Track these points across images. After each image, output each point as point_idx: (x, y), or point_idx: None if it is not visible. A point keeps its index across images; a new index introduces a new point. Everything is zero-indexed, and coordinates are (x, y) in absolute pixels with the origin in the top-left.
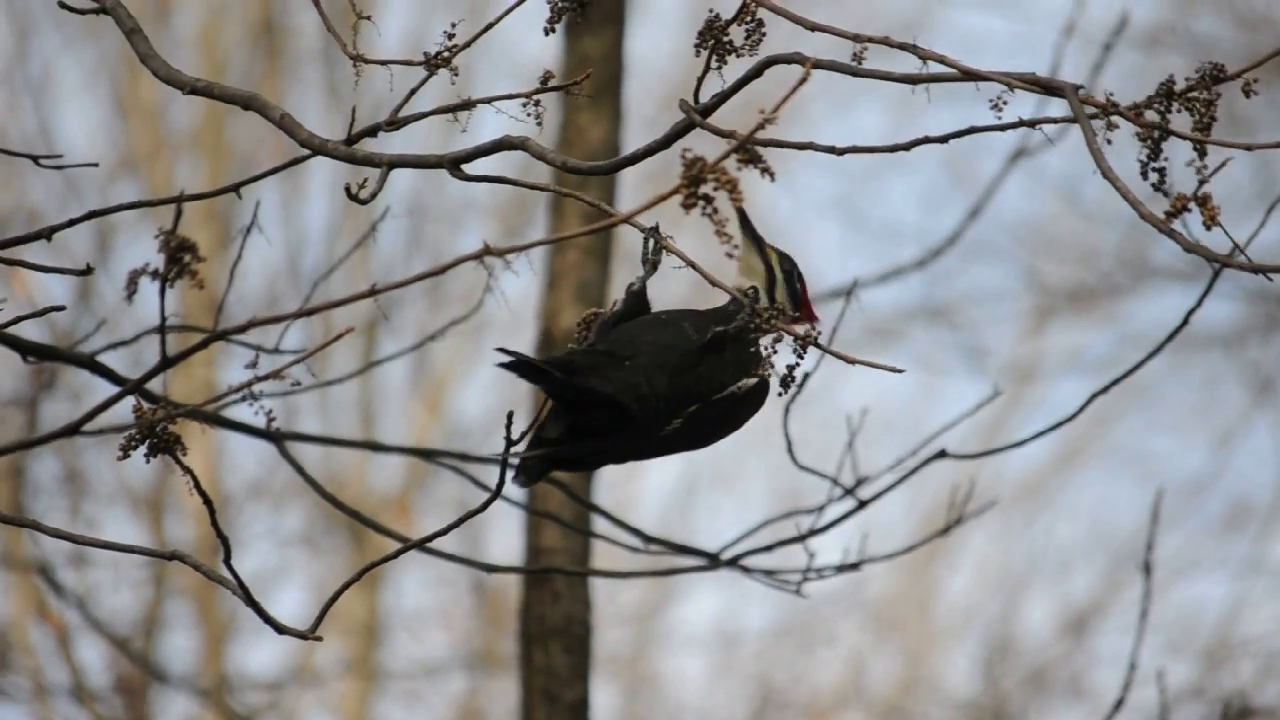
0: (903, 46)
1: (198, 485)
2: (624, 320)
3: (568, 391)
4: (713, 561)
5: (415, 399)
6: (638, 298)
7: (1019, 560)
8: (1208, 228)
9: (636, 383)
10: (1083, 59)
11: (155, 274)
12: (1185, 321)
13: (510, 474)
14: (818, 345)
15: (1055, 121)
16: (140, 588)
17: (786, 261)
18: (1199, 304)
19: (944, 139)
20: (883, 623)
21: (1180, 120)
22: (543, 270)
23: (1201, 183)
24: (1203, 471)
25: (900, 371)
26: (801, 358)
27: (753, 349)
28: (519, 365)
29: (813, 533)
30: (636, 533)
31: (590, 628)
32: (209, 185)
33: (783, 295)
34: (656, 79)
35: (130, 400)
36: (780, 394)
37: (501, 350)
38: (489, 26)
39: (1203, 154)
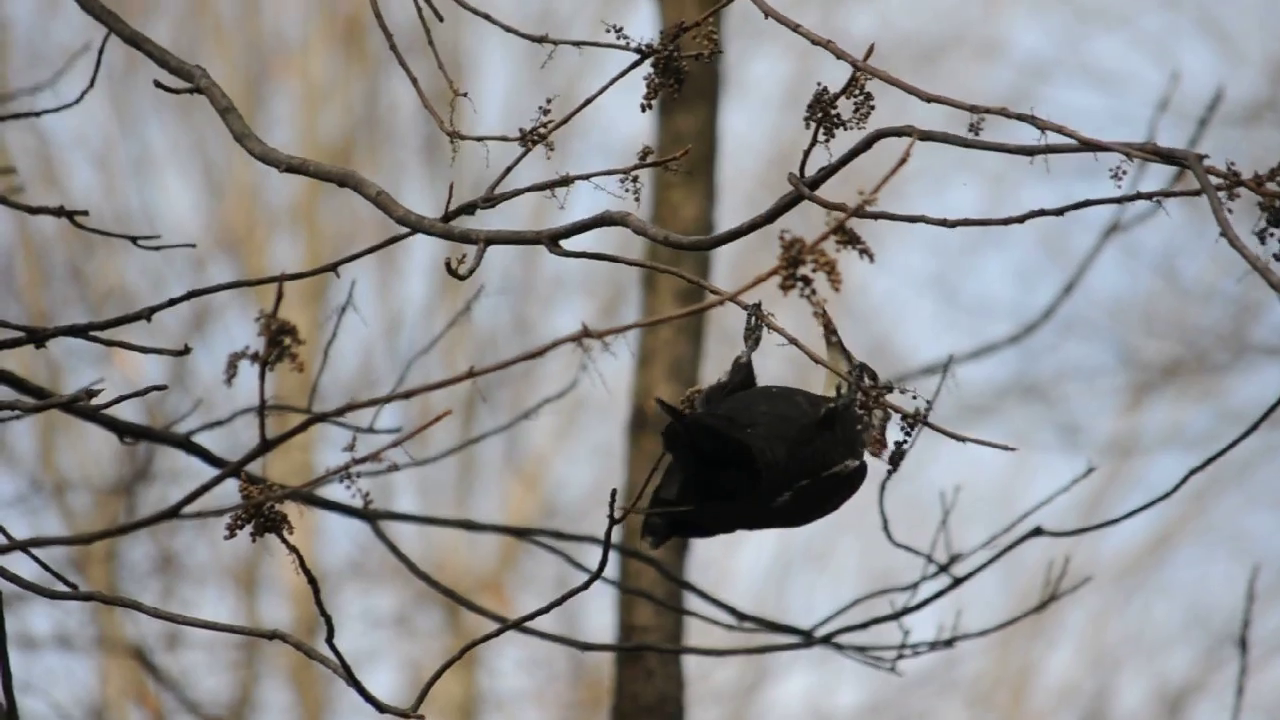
0: (1020, 117)
1: (303, 565)
2: (734, 392)
3: (710, 441)
4: (806, 639)
5: (511, 476)
6: (745, 370)
7: (1116, 639)
8: None
9: (762, 448)
10: (1178, 134)
11: (255, 357)
12: None
13: (639, 535)
14: (928, 424)
15: (1172, 195)
16: (235, 669)
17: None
18: None
19: (1059, 211)
20: (978, 701)
21: None
22: (635, 348)
23: None
24: None
25: (1012, 450)
26: (909, 435)
27: (858, 429)
28: (668, 408)
29: (907, 610)
30: (730, 610)
31: (683, 706)
32: (306, 264)
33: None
34: (751, 156)
35: (225, 483)
36: (890, 471)
37: (659, 401)
38: (586, 103)
39: None
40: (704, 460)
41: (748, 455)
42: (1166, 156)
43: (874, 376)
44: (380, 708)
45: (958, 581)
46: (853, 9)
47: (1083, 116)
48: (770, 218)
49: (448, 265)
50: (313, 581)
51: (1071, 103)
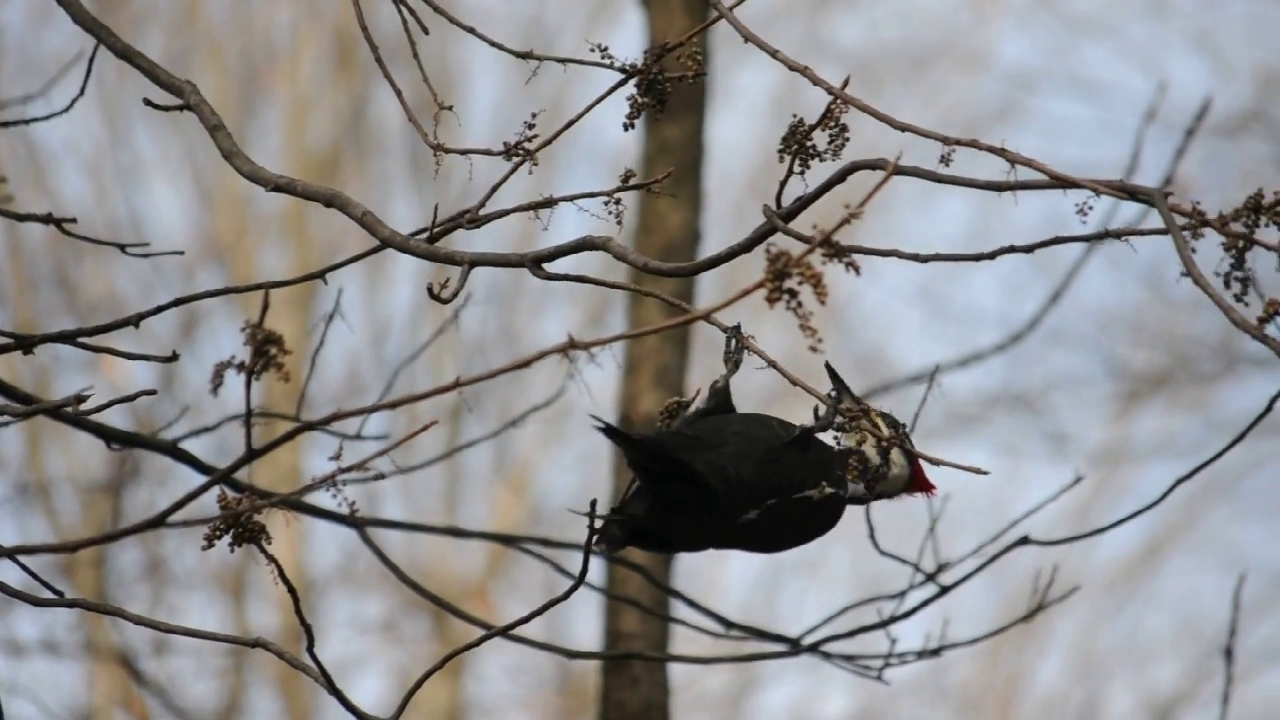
0: (991, 150)
1: (282, 575)
2: (709, 415)
3: (656, 461)
4: (793, 647)
5: (498, 484)
6: (722, 394)
7: (1105, 648)
8: None
9: (723, 465)
10: (1165, 145)
11: (241, 366)
12: (1268, 409)
13: (594, 541)
14: (903, 448)
15: (1141, 234)
16: (222, 676)
17: (891, 420)
18: None
19: (1029, 249)
20: (966, 710)
21: (1265, 232)
22: (621, 356)
23: None
24: None
25: (985, 474)
26: (886, 459)
27: (834, 460)
28: (611, 431)
29: (894, 619)
30: (717, 618)
31: (670, 714)
32: (294, 272)
33: (898, 455)
34: (737, 164)
35: (214, 490)
36: (868, 494)
37: (595, 417)
38: (568, 125)
39: None
40: (654, 477)
41: (692, 473)
42: (1133, 194)
43: (894, 425)
44: (361, 717)
45: (945, 590)
46: (840, 19)
47: (1070, 126)
48: (747, 247)
49: (430, 290)
50: (292, 591)
51: (1059, 112)
